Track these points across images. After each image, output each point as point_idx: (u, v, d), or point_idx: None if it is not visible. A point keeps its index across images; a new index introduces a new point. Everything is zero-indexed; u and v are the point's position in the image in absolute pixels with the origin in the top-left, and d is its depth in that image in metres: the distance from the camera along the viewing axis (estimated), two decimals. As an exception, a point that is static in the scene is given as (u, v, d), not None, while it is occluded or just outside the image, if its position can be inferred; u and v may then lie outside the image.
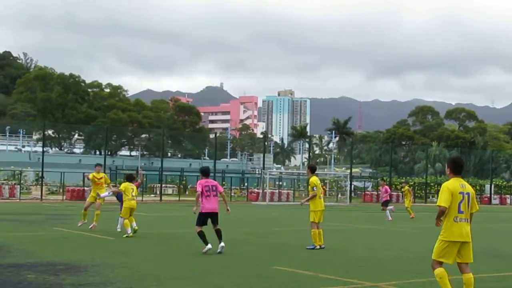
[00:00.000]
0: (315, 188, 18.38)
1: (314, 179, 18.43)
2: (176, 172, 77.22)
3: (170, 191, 67.99)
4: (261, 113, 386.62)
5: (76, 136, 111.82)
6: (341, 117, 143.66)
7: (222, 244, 16.63)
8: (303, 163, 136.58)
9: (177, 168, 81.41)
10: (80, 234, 22.12)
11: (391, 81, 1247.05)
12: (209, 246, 16.43)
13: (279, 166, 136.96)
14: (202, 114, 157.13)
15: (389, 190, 38.10)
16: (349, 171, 73.51)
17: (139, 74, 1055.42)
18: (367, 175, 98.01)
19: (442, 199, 9.48)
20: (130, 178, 22.15)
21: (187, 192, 67.67)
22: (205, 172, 16.93)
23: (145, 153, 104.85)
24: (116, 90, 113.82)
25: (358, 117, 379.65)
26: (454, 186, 9.51)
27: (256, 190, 64.67)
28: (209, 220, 16.55)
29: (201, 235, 16.54)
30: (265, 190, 60.50)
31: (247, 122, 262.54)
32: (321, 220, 18.51)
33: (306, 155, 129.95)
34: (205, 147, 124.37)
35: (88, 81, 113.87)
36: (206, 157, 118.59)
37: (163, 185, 64.18)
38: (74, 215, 31.27)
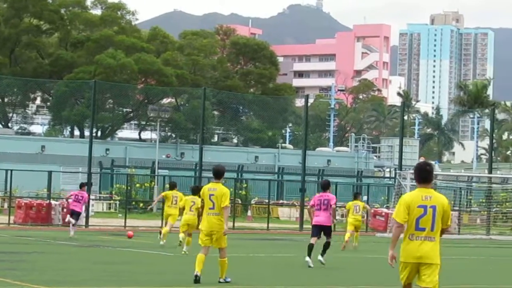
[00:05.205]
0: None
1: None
2: (228, 172, 45.90)
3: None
4: (397, 57, 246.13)
5: (37, 101, 69.58)
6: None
7: None
8: (478, 157, 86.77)
9: (231, 165, 49.90)
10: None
11: None
12: None
13: (433, 162, 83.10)
14: (281, 59, 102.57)
15: None
16: None
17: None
18: None
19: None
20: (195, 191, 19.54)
21: (249, 213, 44.19)
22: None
23: (169, 134, 65.65)
24: (115, 12, 67.22)
25: None
26: None
27: (384, 210, 39.76)
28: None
29: None
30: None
31: (370, 75, 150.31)
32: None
33: (487, 141, 76.72)
34: (286, 125, 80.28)
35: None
36: (287, 144, 77.50)
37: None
38: (32, 252, 20.92)
